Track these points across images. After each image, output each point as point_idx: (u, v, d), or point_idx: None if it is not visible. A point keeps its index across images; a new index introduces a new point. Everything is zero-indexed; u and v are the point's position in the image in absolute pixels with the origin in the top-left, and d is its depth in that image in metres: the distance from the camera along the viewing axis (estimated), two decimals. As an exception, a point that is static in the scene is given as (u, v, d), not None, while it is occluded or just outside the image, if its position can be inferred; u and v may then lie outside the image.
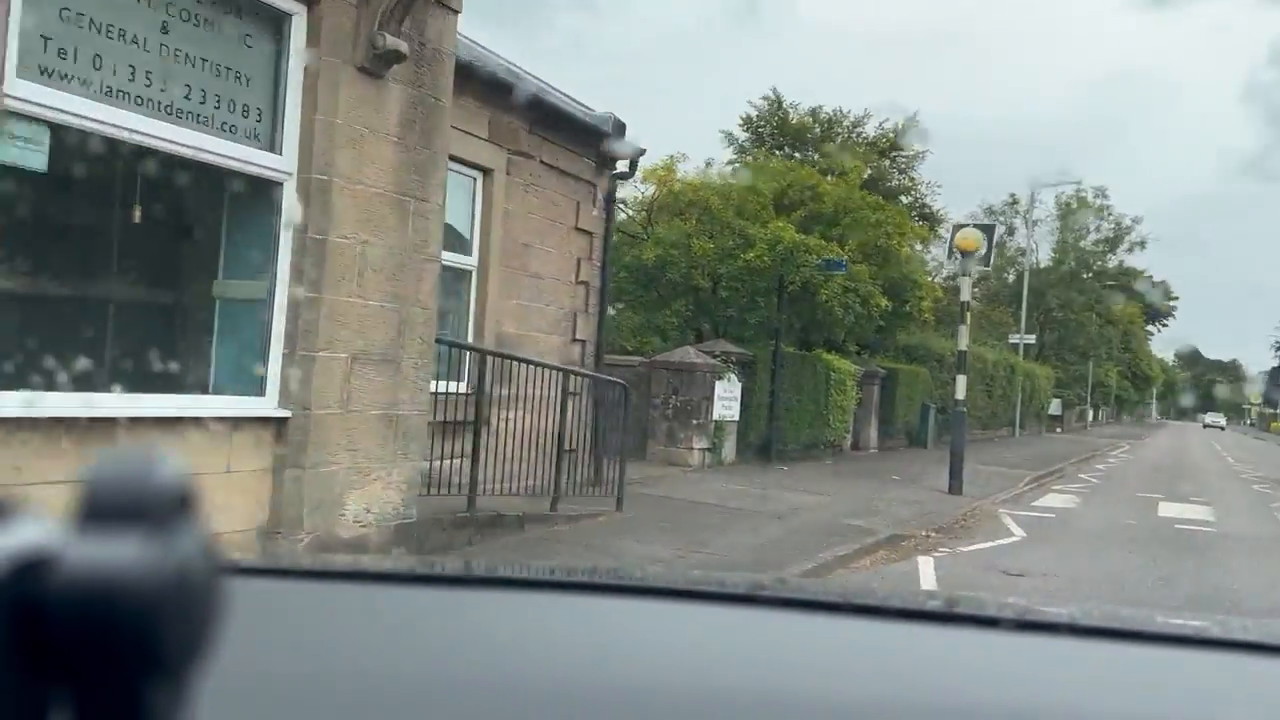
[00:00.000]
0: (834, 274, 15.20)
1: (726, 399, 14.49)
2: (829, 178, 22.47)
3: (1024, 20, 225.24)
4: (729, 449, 14.76)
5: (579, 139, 10.44)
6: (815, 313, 15.46)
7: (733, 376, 14.56)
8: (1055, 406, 44.12)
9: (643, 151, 11.23)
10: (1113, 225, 51.11)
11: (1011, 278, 48.03)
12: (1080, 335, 50.00)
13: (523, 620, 0.98)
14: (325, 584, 1.10)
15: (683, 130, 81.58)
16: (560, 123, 10.13)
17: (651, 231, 15.43)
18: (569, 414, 9.75)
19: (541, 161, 10.02)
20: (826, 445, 18.13)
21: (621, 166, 11.22)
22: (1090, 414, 55.61)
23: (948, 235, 14.82)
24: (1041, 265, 49.54)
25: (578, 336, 10.82)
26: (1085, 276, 50.58)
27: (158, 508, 0.43)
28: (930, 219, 40.21)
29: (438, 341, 7.58)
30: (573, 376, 9.99)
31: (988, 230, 14.00)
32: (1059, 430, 43.86)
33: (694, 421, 13.83)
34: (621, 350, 15.48)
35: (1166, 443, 44.29)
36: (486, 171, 9.36)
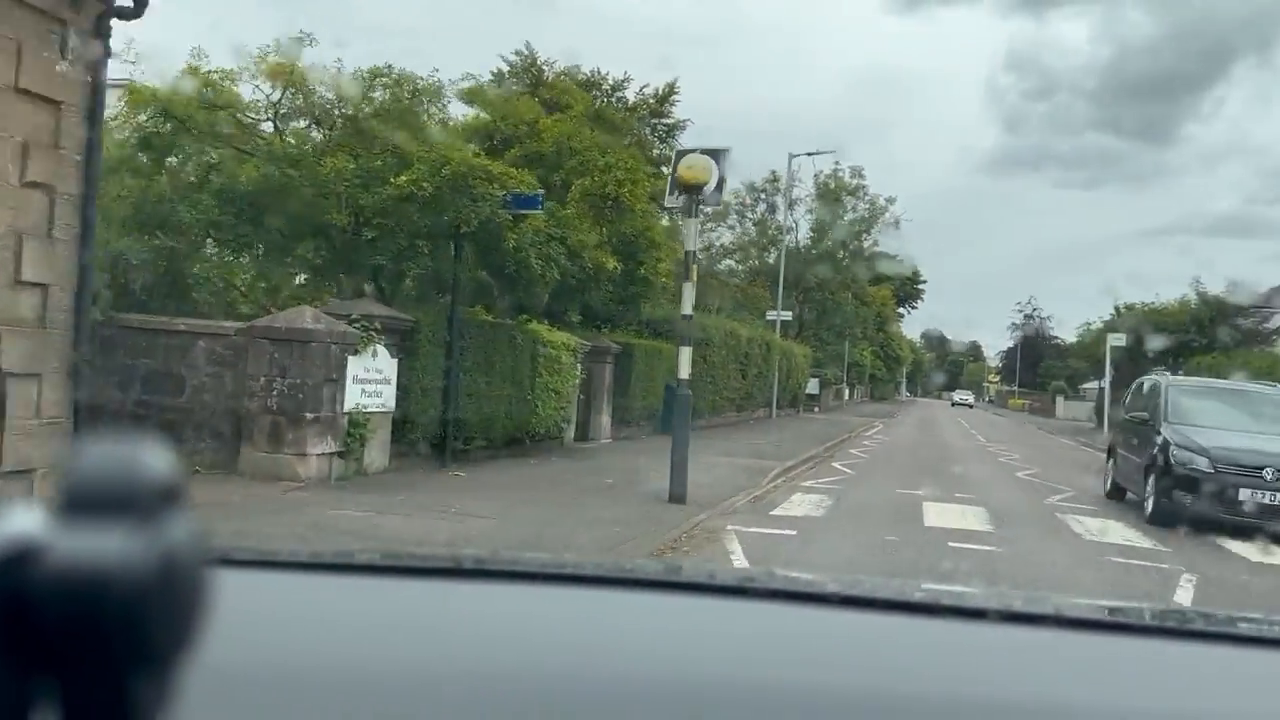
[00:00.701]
0: (527, 214, 11.37)
1: (371, 382, 10.35)
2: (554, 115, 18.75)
3: (789, 19, 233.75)
4: (377, 452, 10.63)
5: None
6: (504, 265, 11.58)
7: (381, 349, 10.43)
8: (813, 385, 43.28)
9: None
10: (868, 205, 51.47)
11: (773, 257, 47.09)
12: (837, 314, 50.82)
13: (512, 611, 0.97)
14: (313, 575, 1.07)
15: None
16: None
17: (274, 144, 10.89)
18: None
19: (-97, -52, 5.46)
20: (536, 438, 14.38)
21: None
22: (846, 393, 55.87)
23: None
24: (801, 244, 49.53)
25: (28, 278, 6.34)
26: (841, 257, 50.93)
27: (144, 499, 0.43)
28: (691, 191, 38.01)
29: None
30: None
31: (718, 156, 10.60)
32: (817, 410, 42.96)
33: (311, 415, 9.58)
34: (240, 313, 10.97)
35: (919, 420, 44.39)
36: None
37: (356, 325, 10.08)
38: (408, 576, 1.07)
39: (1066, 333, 73.30)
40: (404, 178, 10.01)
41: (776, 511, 11.00)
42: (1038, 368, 75.85)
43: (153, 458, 0.44)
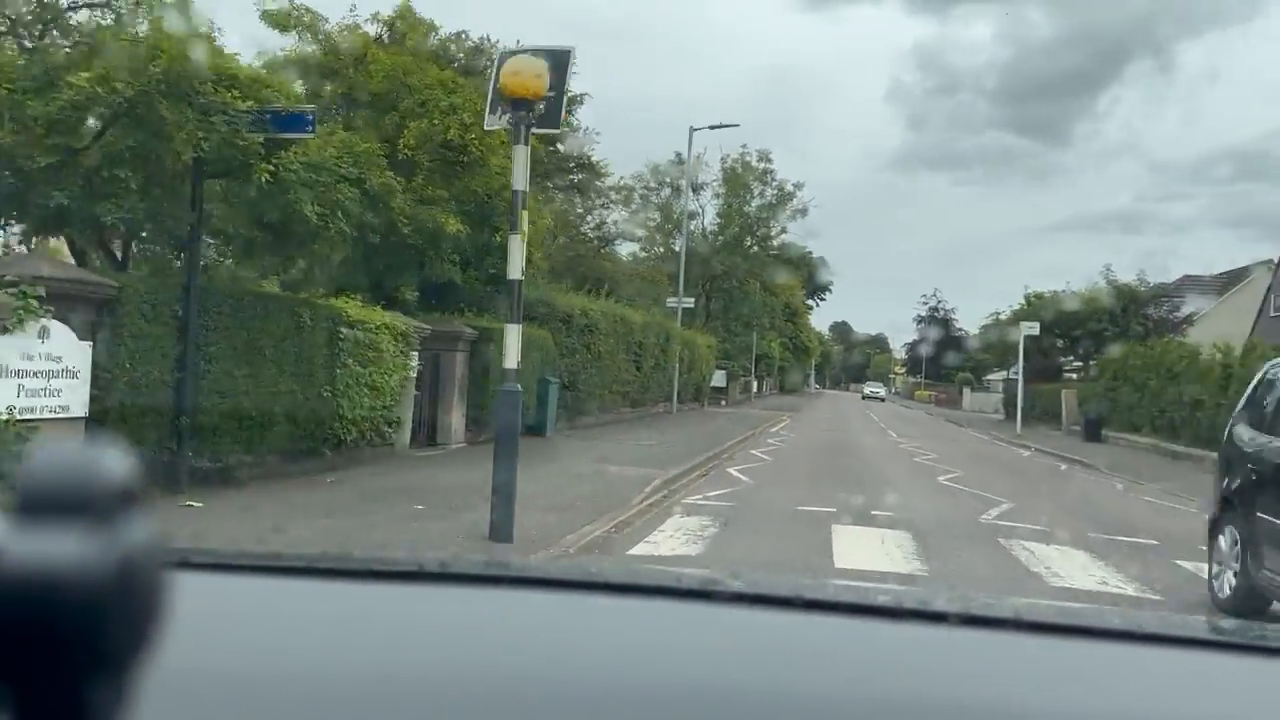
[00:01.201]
0: (293, 140, 8.20)
1: (40, 374, 7.08)
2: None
3: (694, 14, 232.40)
4: (56, 474, 7.35)
5: None
6: (262, 210, 8.41)
7: (56, 327, 7.16)
8: (719, 378, 40.85)
9: None
10: (776, 190, 49.55)
11: (678, 243, 44.70)
12: (745, 304, 48.99)
13: (475, 616, 0.96)
14: (273, 579, 1.05)
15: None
16: None
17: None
18: None
19: None
20: (345, 446, 11.19)
21: None
22: (755, 385, 53.72)
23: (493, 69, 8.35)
24: (708, 230, 47.55)
25: None
26: (749, 244, 49.00)
27: (100, 501, 0.41)
28: (589, 169, 34.98)
29: None
30: None
31: (558, 59, 7.64)
32: (723, 403, 40.57)
33: (-85, 424, 6.28)
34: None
35: (828, 414, 42.37)
36: None
37: (12, 291, 6.80)
38: (369, 580, 1.05)
39: (971, 325, 72.72)
40: (87, 75, 6.77)
41: (638, 549, 8.12)
42: (942, 360, 75.16)
43: (109, 460, 0.43)
